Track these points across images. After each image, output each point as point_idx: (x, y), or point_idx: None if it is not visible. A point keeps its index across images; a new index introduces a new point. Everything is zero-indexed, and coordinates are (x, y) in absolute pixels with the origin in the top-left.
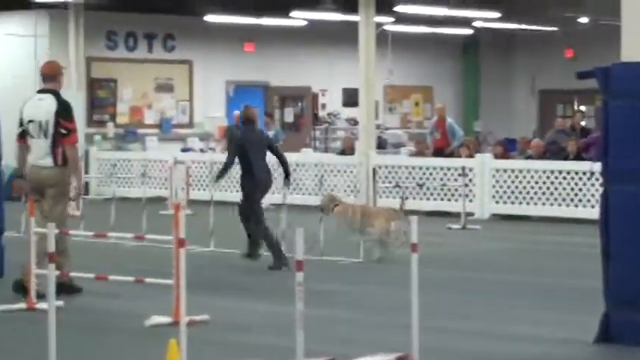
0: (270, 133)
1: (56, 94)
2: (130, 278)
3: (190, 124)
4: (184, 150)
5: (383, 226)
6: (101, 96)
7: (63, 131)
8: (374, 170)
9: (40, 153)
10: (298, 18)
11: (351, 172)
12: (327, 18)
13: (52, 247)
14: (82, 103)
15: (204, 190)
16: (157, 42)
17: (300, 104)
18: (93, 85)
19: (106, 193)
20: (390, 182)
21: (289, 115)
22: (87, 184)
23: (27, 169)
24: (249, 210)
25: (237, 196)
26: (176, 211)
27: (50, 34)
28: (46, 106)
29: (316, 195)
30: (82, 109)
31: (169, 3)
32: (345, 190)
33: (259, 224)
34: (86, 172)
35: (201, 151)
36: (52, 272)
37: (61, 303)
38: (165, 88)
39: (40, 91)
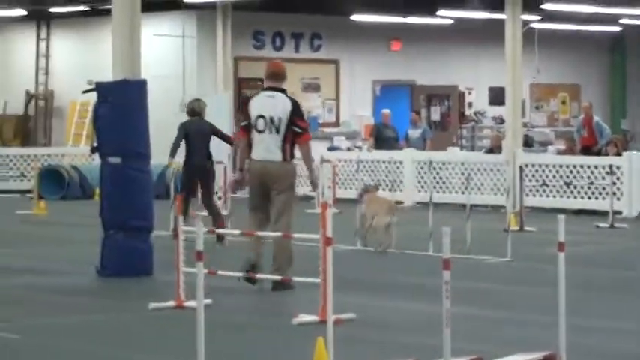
0: (418, 132)
1: (285, 92)
2: (278, 277)
3: (337, 123)
4: (331, 149)
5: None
6: (248, 95)
7: (297, 130)
8: (521, 169)
9: (268, 148)
10: (445, 16)
11: (498, 170)
12: (473, 16)
13: (200, 245)
14: (229, 103)
15: (350, 188)
16: (303, 41)
17: (446, 103)
18: (240, 84)
19: None
20: (537, 181)
21: (436, 114)
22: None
23: (249, 164)
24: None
25: (383, 194)
26: (323, 210)
27: (198, 34)
28: (281, 104)
29: (462, 194)
30: (229, 108)
31: (316, 2)
32: (492, 189)
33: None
34: (234, 172)
35: (348, 149)
36: (200, 270)
37: (209, 301)
38: (311, 87)
39: (267, 89)
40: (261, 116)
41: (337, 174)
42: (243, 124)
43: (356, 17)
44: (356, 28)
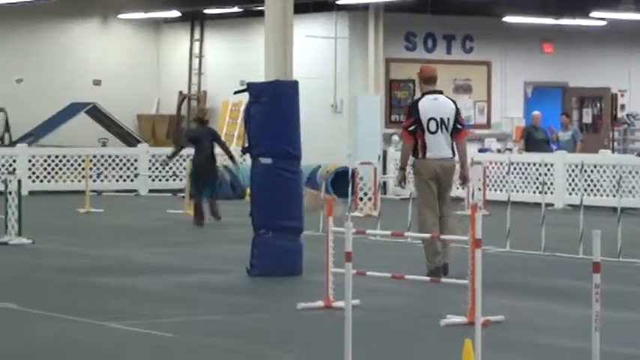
0: (568, 134)
1: (443, 94)
2: (426, 277)
3: (488, 125)
4: (481, 150)
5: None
6: (399, 97)
7: (459, 126)
8: None
9: (441, 146)
10: (598, 18)
11: None
12: (627, 17)
13: (349, 245)
14: (380, 104)
15: (500, 190)
16: (455, 43)
17: (598, 105)
18: (391, 86)
19: (402, 193)
20: None
21: (587, 116)
22: (384, 183)
23: (422, 163)
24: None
25: (532, 197)
26: (473, 212)
27: (350, 35)
28: (447, 105)
29: (614, 196)
30: (381, 109)
31: (468, 4)
32: None
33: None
34: (384, 172)
35: (499, 151)
36: (349, 271)
37: (357, 301)
38: (463, 88)
39: (429, 92)
40: (433, 118)
41: (487, 176)
42: (411, 128)
43: (508, 19)
44: (508, 30)
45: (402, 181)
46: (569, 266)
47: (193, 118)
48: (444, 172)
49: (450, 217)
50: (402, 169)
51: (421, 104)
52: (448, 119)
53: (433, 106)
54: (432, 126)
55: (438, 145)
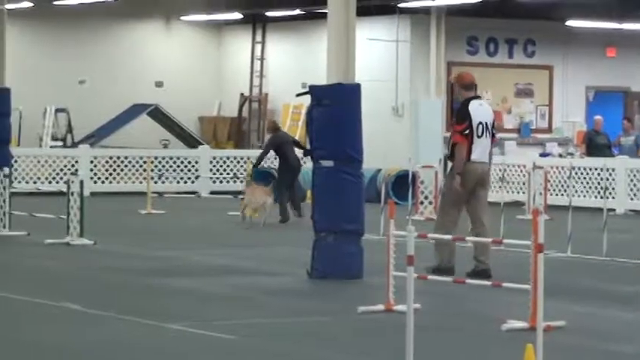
0: (630, 139)
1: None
2: (488, 282)
3: (549, 129)
4: (543, 155)
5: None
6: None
7: (494, 132)
8: None
9: (483, 150)
10: None
11: None
12: None
13: (411, 249)
14: (441, 108)
15: (561, 195)
16: (517, 47)
17: None
18: (453, 89)
19: None
20: None
21: None
22: None
23: (466, 166)
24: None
25: (594, 202)
26: (534, 216)
27: (412, 39)
28: (490, 111)
29: None
30: (442, 113)
31: (531, 8)
32: None
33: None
34: (445, 176)
35: (560, 156)
36: (410, 274)
37: (418, 305)
38: (525, 92)
39: (473, 98)
40: (480, 123)
41: (549, 180)
42: (466, 131)
43: (570, 23)
44: (570, 34)
45: (461, 186)
46: (631, 271)
47: (270, 129)
48: (484, 174)
49: (486, 219)
50: (460, 174)
51: (471, 109)
52: (490, 124)
53: (481, 111)
54: (480, 130)
55: (482, 149)
